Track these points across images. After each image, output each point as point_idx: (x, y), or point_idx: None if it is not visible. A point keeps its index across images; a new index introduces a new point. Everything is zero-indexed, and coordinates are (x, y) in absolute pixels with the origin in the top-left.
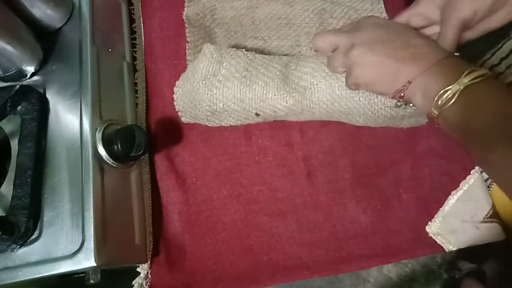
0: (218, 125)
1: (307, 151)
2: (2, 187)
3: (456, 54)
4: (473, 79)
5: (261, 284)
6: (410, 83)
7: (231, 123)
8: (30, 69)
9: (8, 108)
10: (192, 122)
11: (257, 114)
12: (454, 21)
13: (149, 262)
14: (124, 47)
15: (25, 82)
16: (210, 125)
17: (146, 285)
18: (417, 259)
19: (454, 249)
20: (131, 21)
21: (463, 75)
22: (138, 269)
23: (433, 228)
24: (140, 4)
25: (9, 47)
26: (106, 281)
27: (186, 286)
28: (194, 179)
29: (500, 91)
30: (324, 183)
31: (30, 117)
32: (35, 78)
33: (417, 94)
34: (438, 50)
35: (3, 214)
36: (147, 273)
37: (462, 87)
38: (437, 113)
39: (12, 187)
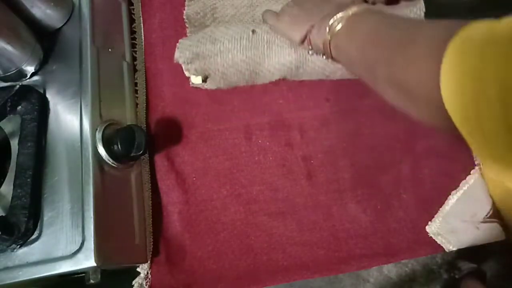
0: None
1: (307, 151)
2: (2, 187)
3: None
4: (356, 10)
5: (261, 284)
6: (313, 26)
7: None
8: (30, 69)
9: (8, 108)
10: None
11: (253, 31)
12: None
13: (149, 262)
14: (124, 47)
15: (25, 82)
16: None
17: (146, 285)
18: (417, 259)
19: (454, 249)
20: (131, 21)
21: (349, 8)
22: (138, 269)
23: (433, 228)
24: (140, 4)
25: (9, 47)
26: (106, 281)
27: (186, 286)
28: (194, 179)
29: (377, 15)
30: (324, 183)
31: (30, 117)
32: (35, 78)
33: (317, 32)
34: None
35: (3, 214)
36: (147, 273)
37: (348, 15)
38: (329, 38)
39: (12, 187)
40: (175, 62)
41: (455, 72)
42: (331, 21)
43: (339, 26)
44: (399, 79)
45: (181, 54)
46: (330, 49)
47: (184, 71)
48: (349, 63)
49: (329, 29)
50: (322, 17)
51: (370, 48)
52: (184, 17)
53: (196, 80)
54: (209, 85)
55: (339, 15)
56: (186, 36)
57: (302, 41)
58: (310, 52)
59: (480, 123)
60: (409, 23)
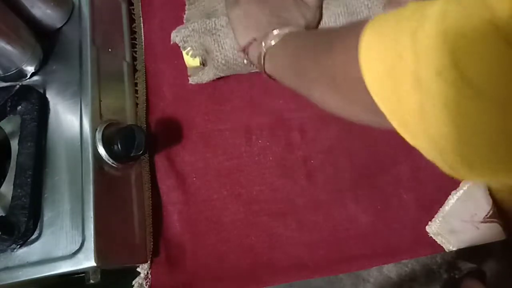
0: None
1: (307, 151)
2: (2, 187)
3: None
4: (282, 35)
5: (261, 284)
6: (255, 40)
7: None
8: (30, 69)
9: (8, 108)
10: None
11: None
12: None
13: (149, 262)
14: (124, 47)
15: (25, 82)
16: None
17: (146, 285)
18: (417, 259)
19: (454, 249)
20: (131, 21)
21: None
22: (138, 269)
23: (433, 228)
24: (140, 4)
25: (9, 47)
26: (106, 281)
27: (186, 286)
28: (194, 179)
29: (313, 30)
30: (324, 183)
31: (30, 117)
32: (35, 78)
33: (254, 51)
34: (299, 20)
35: (3, 214)
36: (147, 273)
37: (284, 32)
38: (265, 51)
39: (12, 187)
40: (171, 43)
41: (371, 48)
42: (269, 38)
43: (275, 40)
44: (328, 75)
45: (177, 34)
46: (263, 62)
47: (182, 50)
48: (282, 74)
49: (265, 44)
50: (267, 32)
51: (301, 54)
52: (184, 20)
53: (193, 62)
54: (207, 73)
55: (276, 32)
56: None
57: (243, 50)
58: (245, 61)
59: (398, 98)
60: (341, 27)
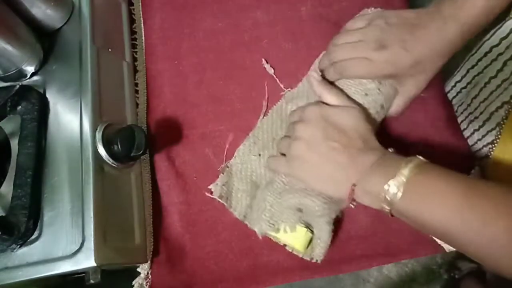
0: None
1: None
2: (2, 187)
3: (390, 150)
4: (412, 168)
5: (261, 284)
6: (355, 185)
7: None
8: (30, 69)
9: (8, 108)
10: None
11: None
12: (414, 94)
13: (149, 262)
14: (124, 47)
15: (25, 82)
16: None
17: (146, 285)
18: (417, 259)
19: (454, 249)
20: (132, 21)
21: (402, 167)
22: (138, 269)
23: None
24: (140, 4)
25: (9, 47)
26: (106, 281)
27: (187, 286)
28: (195, 179)
29: (440, 178)
30: None
31: (30, 117)
32: (35, 78)
33: (364, 195)
34: (373, 143)
35: (3, 214)
36: (147, 273)
37: (404, 180)
38: (389, 209)
39: (12, 187)
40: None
41: None
42: (385, 188)
43: (399, 195)
44: None
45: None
46: (391, 213)
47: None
48: (424, 227)
49: (384, 198)
50: (363, 173)
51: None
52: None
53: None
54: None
55: (394, 183)
56: (186, 36)
57: (349, 202)
58: (352, 206)
59: None
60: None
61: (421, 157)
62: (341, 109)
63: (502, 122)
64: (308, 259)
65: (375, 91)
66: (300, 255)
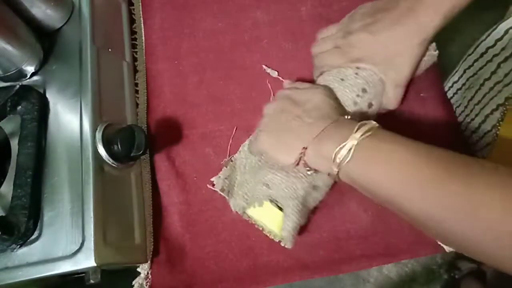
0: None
1: None
2: (2, 187)
3: (347, 116)
4: (364, 132)
5: (261, 284)
6: (306, 149)
7: None
8: (30, 69)
9: (8, 108)
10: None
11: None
12: (399, 81)
13: (149, 262)
14: (124, 47)
15: (25, 82)
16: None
17: (146, 285)
18: (417, 259)
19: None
20: (132, 21)
21: (354, 131)
22: (138, 269)
23: None
24: (140, 4)
25: (9, 47)
26: (106, 281)
27: (187, 286)
28: (195, 179)
29: (392, 142)
30: None
31: (30, 117)
32: (35, 78)
33: (317, 159)
34: (331, 113)
35: (3, 214)
36: (147, 273)
37: (356, 142)
38: (337, 170)
39: (12, 187)
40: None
41: None
42: (336, 151)
43: (348, 157)
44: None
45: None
46: (338, 176)
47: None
48: (372, 193)
49: (333, 159)
50: (315, 137)
51: (444, 178)
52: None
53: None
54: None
55: (345, 145)
56: (186, 36)
57: (297, 164)
58: (309, 173)
59: None
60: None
61: (374, 122)
62: (305, 89)
63: (497, 124)
64: (281, 243)
65: (352, 76)
66: (276, 239)
